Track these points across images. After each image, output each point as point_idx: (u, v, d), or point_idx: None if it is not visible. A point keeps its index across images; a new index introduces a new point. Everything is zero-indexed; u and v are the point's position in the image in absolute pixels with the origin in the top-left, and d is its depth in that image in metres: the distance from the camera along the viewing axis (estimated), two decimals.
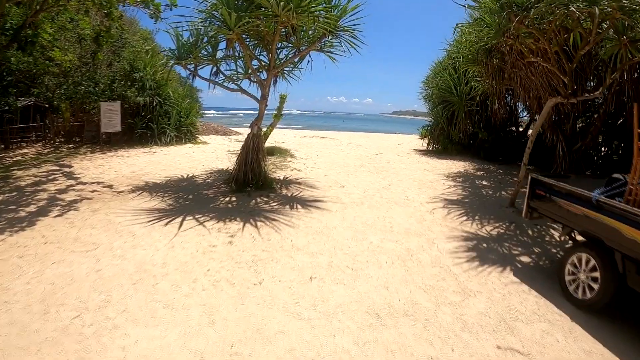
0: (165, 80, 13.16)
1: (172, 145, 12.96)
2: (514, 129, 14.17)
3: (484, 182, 9.27)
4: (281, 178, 8.43)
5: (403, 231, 5.59)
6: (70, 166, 9.22)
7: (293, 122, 56.97)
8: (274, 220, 5.77)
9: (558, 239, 5.73)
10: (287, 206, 6.50)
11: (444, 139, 14.34)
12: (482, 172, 10.52)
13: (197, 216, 5.84)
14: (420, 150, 14.99)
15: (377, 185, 8.20)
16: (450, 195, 7.77)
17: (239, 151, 7.89)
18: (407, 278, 4.20)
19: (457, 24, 8.78)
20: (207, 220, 5.66)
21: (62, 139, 12.70)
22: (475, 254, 4.97)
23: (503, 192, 8.35)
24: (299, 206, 6.50)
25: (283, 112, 11.66)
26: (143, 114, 12.96)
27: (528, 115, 13.92)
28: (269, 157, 10.86)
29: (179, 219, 5.67)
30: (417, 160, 12.12)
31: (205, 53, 7.76)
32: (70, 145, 12.15)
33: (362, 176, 9.11)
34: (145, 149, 11.98)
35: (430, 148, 15.26)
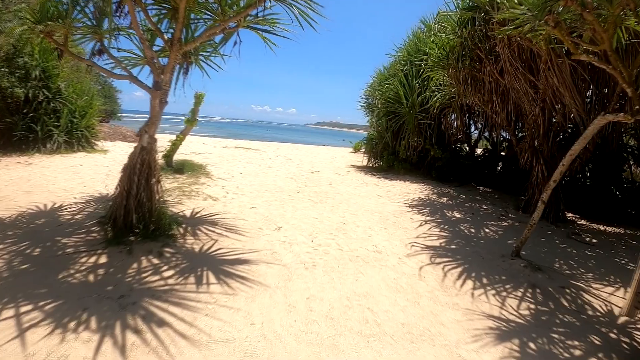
0: (57, 67, 9.85)
1: (60, 154, 9.42)
2: (466, 147, 12.79)
3: (456, 214, 7.30)
4: (188, 214, 5.49)
5: (399, 333, 3.08)
6: None
7: (215, 129, 52.72)
8: (164, 324, 2.88)
9: (604, 310, 3.85)
10: (192, 277, 3.64)
11: (389, 155, 12.45)
12: (445, 199, 8.62)
13: (21, 308, 2.77)
14: (360, 167, 12.92)
15: (327, 225, 5.69)
16: (431, 240, 5.55)
17: (120, 174, 4.85)
18: None
19: (439, 12, 6.85)
20: (32, 326, 2.62)
21: None
22: None
23: (487, 230, 6.40)
24: (211, 277, 3.67)
25: (199, 117, 8.75)
26: (25, 111, 9.30)
27: (476, 132, 12.68)
28: (177, 175, 7.84)
29: None
30: (364, 182, 9.92)
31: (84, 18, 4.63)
32: None
33: (302, 207, 6.55)
34: (22, 159, 8.29)
35: (372, 165, 13.32)
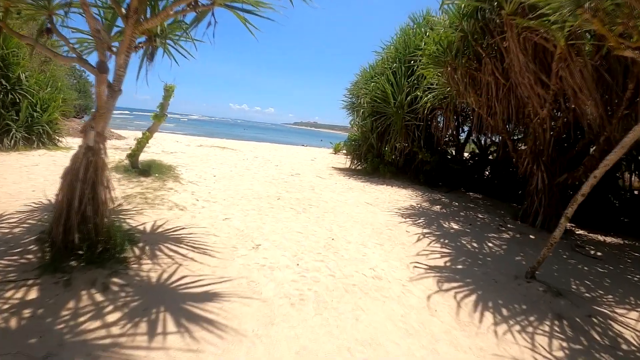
0: (17, 55, 8.89)
1: (17, 151, 8.35)
2: (453, 150, 12.24)
3: (454, 225, 6.63)
4: (148, 227, 4.54)
5: None
6: None
7: (192, 128, 50.95)
8: None
9: (638, 343, 3.29)
10: (144, 323, 2.73)
11: (374, 157, 11.76)
12: (438, 207, 7.96)
13: None
14: (342, 170, 12.18)
15: (314, 241, 4.86)
16: (433, 258, 4.83)
17: (60, 182, 3.86)
18: None
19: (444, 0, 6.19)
20: None
21: None
22: None
23: (490, 245, 5.76)
24: (169, 323, 2.76)
25: (175, 114, 7.70)
26: None
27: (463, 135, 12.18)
28: (142, 178, 6.86)
29: None
30: (349, 186, 9.15)
31: None
32: None
33: (284, 218, 5.68)
34: None
35: (355, 167, 12.61)
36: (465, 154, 12.39)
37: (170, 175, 7.61)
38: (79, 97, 24.13)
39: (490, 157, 11.61)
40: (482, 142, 11.71)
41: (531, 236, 6.53)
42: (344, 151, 19.15)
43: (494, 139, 11.34)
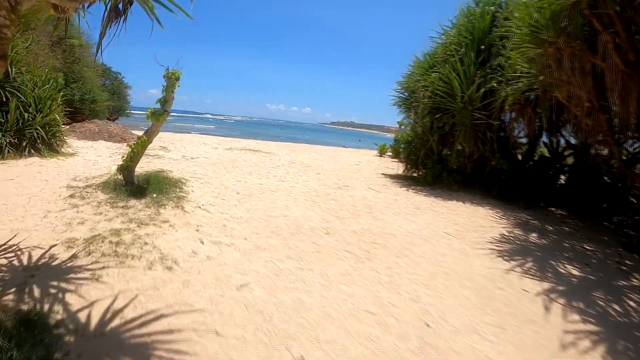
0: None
1: (0, 160, 7.05)
2: (520, 155, 9.98)
3: (569, 268, 4.64)
4: (94, 320, 2.65)
5: None
6: None
7: (230, 128, 50.68)
8: None
9: None
10: None
11: (434, 163, 9.75)
12: (534, 235, 5.89)
13: None
14: (395, 178, 10.27)
15: (397, 335, 2.90)
16: (587, 353, 2.91)
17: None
18: None
19: None
20: None
21: None
22: None
23: (633, 304, 3.77)
24: None
25: (171, 109, 5.76)
26: None
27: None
28: (132, 201, 5.24)
29: None
30: (414, 204, 7.20)
31: None
32: None
33: (340, 279, 3.74)
34: None
35: (409, 174, 10.67)
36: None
37: (172, 195, 5.82)
38: (111, 98, 23.67)
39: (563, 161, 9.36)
40: (554, 143, 9.47)
41: None
42: (390, 153, 17.20)
43: (571, 140, 9.15)
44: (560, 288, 4.08)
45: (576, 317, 3.51)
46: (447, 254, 4.67)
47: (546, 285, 4.08)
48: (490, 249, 5.04)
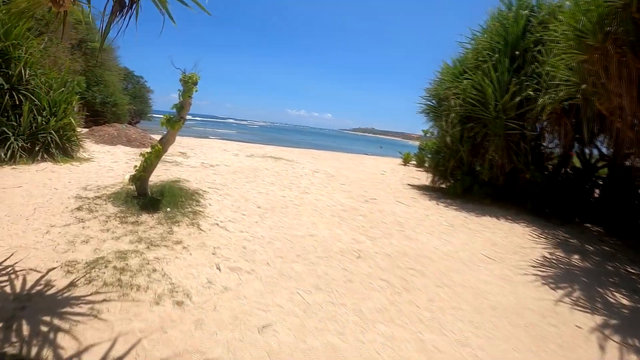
0: (20, 47, 7.37)
1: (13, 165, 6.90)
2: (550, 166, 9.48)
3: (619, 297, 4.28)
4: None
5: None
6: None
7: (251, 134, 51.10)
8: None
9: None
10: None
11: (464, 175, 9.39)
12: (576, 257, 5.51)
13: None
14: (423, 189, 9.96)
15: None
16: None
17: None
18: None
19: None
20: None
21: None
22: None
23: None
24: None
25: (188, 115, 5.52)
26: None
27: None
28: (144, 216, 4.98)
29: None
30: (447, 220, 6.88)
31: None
32: None
33: (377, 315, 3.42)
34: None
35: (437, 185, 10.32)
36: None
37: (189, 209, 5.51)
38: (133, 102, 24.00)
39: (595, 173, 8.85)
40: (587, 155, 8.98)
41: None
42: (414, 162, 16.83)
43: (604, 151, 8.67)
44: (613, 322, 3.74)
45: (633, 357, 3.17)
46: (491, 282, 4.38)
47: (598, 319, 3.74)
48: (534, 274, 4.71)
